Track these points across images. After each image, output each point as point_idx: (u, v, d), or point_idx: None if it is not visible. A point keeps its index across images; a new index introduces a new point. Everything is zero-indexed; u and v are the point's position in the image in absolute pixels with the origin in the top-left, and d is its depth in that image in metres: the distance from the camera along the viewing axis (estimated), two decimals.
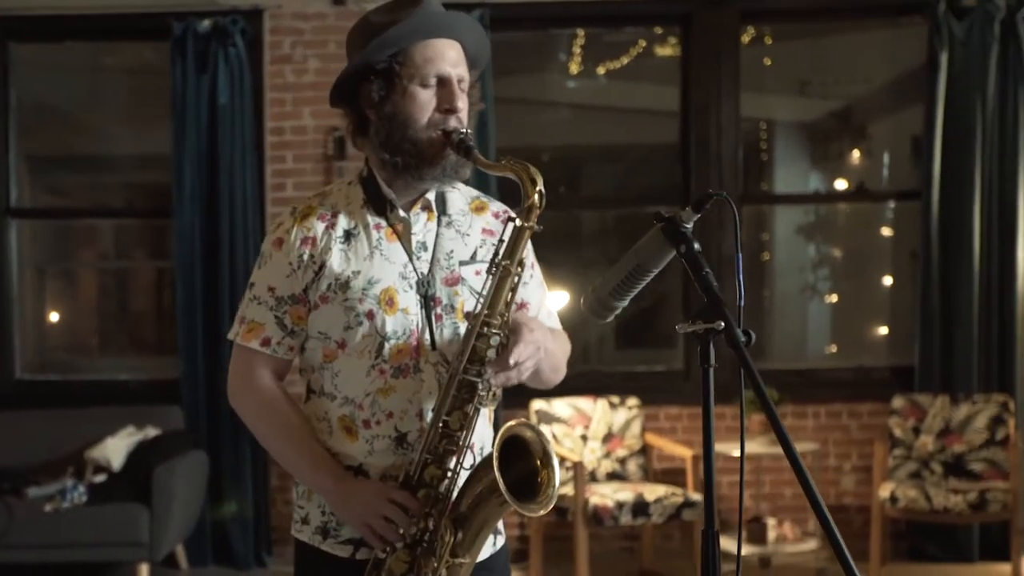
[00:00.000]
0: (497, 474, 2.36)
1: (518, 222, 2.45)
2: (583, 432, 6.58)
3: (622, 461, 6.61)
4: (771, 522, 6.45)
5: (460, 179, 2.57)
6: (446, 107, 2.50)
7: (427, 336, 2.52)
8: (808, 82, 8.74)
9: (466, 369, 2.43)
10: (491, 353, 2.44)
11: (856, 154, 8.73)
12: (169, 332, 7.59)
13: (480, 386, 2.44)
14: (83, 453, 6.58)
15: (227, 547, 6.87)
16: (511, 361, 2.41)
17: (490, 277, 2.46)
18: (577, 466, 6.01)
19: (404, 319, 2.52)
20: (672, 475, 6.85)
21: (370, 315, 2.50)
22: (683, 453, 6.49)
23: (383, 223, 2.56)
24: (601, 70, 8.13)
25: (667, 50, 7.80)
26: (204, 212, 6.82)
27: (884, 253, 8.39)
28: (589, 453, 6.53)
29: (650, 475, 6.72)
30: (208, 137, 6.81)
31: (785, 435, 2.05)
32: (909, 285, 7.45)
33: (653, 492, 6.18)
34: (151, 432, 6.62)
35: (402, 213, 2.56)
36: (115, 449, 6.49)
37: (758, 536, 6.42)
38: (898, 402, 6.59)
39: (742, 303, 2.22)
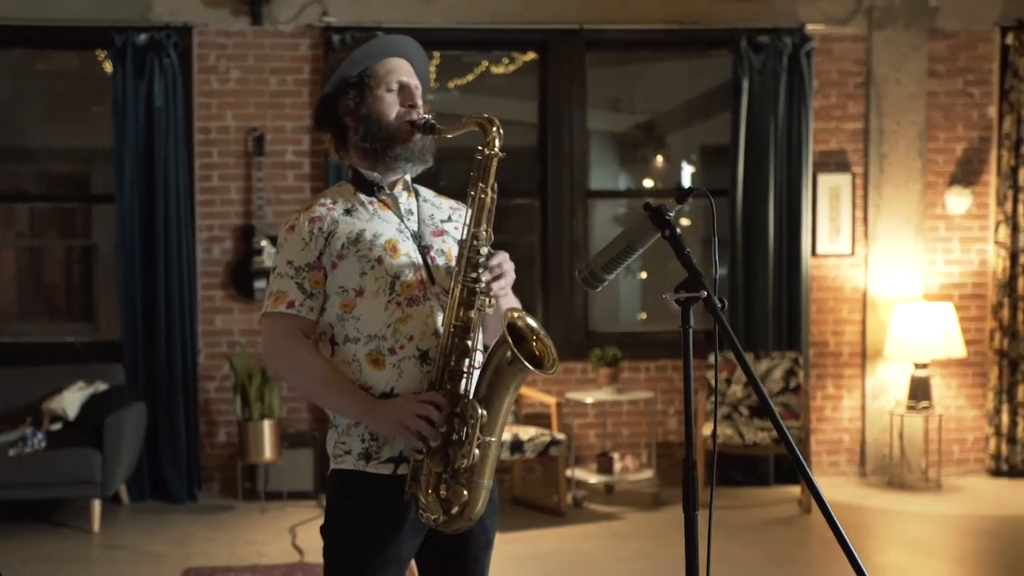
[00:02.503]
0: (511, 344, 2.74)
1: (486, 151, 2.88)
2: None
3: None
4: (616, 456, 7.80)
5: (426, 163, 3.01)
6: (409, 103, 2.96)
7: (426, 274, 2.89)
8: (619, 99, 10.16)
9: (465, 277, 2.81)
10: (482, 261, 2.83)
11: (659, 159, 10.22)
12: (81, 301, 8.49)
13: (479, 289, 2.81)
14: (41, 405, 7.36)
15: (163, 484, 7.75)
16: (495, 261, 2.82)
17: (470, 200, 2.87)
18: None
19: (407, 260, 2.88)
20: (536, 419, 8.09)
21: (379, 260, 2.85)
22: (548, 400, 7.71)
23: (375, 200, 2.97)
24: (451, 85, 9.00)
25: (500, 68, 8.82)
26: (142, 198, 7.69)
27: (684, 239, 9.83)
28: None
29: (520, 419, 8.02)
30: (145, 134, 7.66)
31: (757, 382, 2.56)
32: (703, 265, 8.91)
33: (526, 432, 7.31)
34: (100, 386, 7.45)
35: (388, 191, 2.98)
36: (70, 401, 7.30)
37: (606, 468, 7.67)
38: (713, 358, 8.11)
39: (717, 277, 2.75)
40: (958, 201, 8.42)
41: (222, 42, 7.92)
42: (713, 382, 2.53)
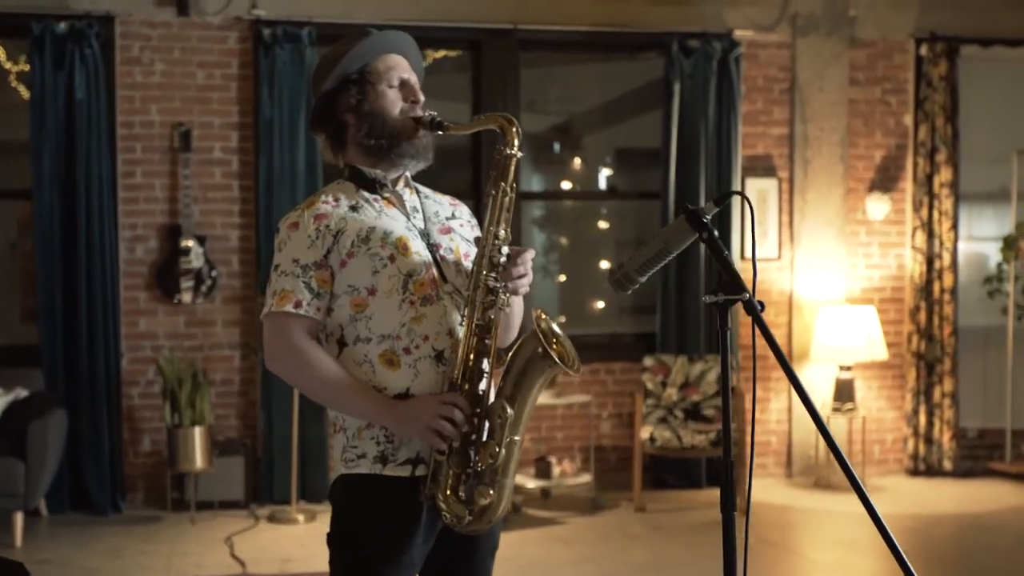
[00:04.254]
0: (542, 340, 2.76)
1: (506, 151, 2.86)
2: None
3: None
4: (554, 460, 7.65)
5: (428, 160, 2.97)
6: (412, 99, 2.94)
7: (437, 272, 2.84)
8: (534, 100, 10.11)
9: (486, 276, 2.79)
10: (502, 260, 2.81)
11: (577, 161, 10.17)
12: None
13: (500, 290, 2.80)
14: None
15: (84, 495, 7.36)
16: (522, 259, 2.83)
17: (491, 199, 2.84)
18: None
19: (418, 259, 2.83)
20: None
21: (391, 258, 2.80)
22: None
23: (379, 198, 2.92)
24: None
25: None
26: (61, 195, 7.30)
27: (601, 242, 9.88)
28: None
29: None
30: (66, 128, 7.28)
31: (802, 388, 2.59)
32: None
33: None
34: (21, 393, 7.04)
35: (392, 188, 2.95)
36: None
37: (544, 472, 7.52)
38: (648, 361, 7.93)
39: (755, 279, 2.75)
40: (877, 207, 8.53)
41: (146, 33, 7.57)
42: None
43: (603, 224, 9.87)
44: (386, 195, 2.92)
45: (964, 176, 8.70)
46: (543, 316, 2.85)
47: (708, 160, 8.23)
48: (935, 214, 8.58)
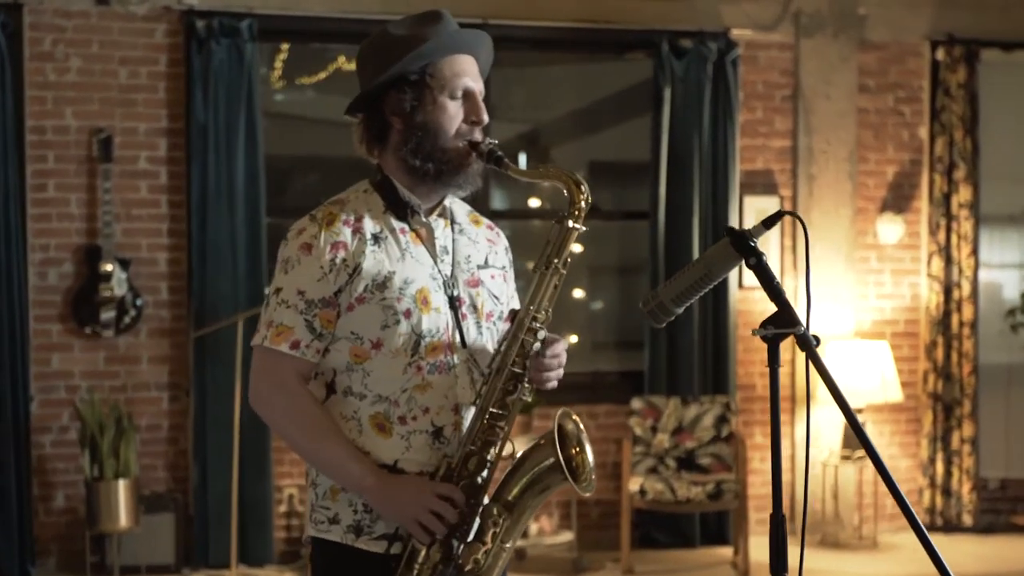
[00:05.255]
0: (558, 450, 2.66)
1: (569, 223, 2.72)
2: None
3: None
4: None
5: (476, 187, 2.80)
6: (474, 119, 2.75)
7: (456, 335, 2.74)
8: (496, 105, 9.64)
9: (514, 362, 2.67)
10: (536, 347, 2.69)
11: None
12: None
13: (525, 378, 2.68)
14: None
15: None
16: (554, 352, 2.71)
17: (538, 275, 2.70)
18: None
19: (438, 318, 2.71)
20: None
21: (407, 314, 2.67)
22: None
23: (407, 228, 2.76)
24: (305, 81, 8.55)
25: (353, 65, 8.31)
26: None
27: (575, 268, 9.35)
28: None
29: None
30: None
31: (865, 436, 2.55)
32: (601, 297, 8.52)
33: None
34: None
35: (424, 219, 2.78)
36: None
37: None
38: (637, 403, 7.51)
39: (809, 310, 2.57)
40: (889, 229, 8.20)
41: (60, 24, 7.13)
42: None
43: (576, 247, 9.32)
44: (416, 226, 2.77)
45: (985, 196, 8.38)
46: (573, 417, 2.76)
47: (703, 176, 7.88)
48: (953, 238, 8.27)
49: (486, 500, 2.72)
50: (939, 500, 8.24)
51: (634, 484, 7.16)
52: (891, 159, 8.29)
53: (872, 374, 7.74)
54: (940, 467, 8.23)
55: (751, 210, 7.97)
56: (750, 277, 7.87)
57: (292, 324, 2.67)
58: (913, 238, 8.31)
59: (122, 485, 6.76)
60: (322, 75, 8.46)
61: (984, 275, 8.55)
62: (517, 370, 2.68)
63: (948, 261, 8.22)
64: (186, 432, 7.29)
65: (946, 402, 8.23)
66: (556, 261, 2.72)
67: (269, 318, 2.70)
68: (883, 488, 8.01)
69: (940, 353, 8.23)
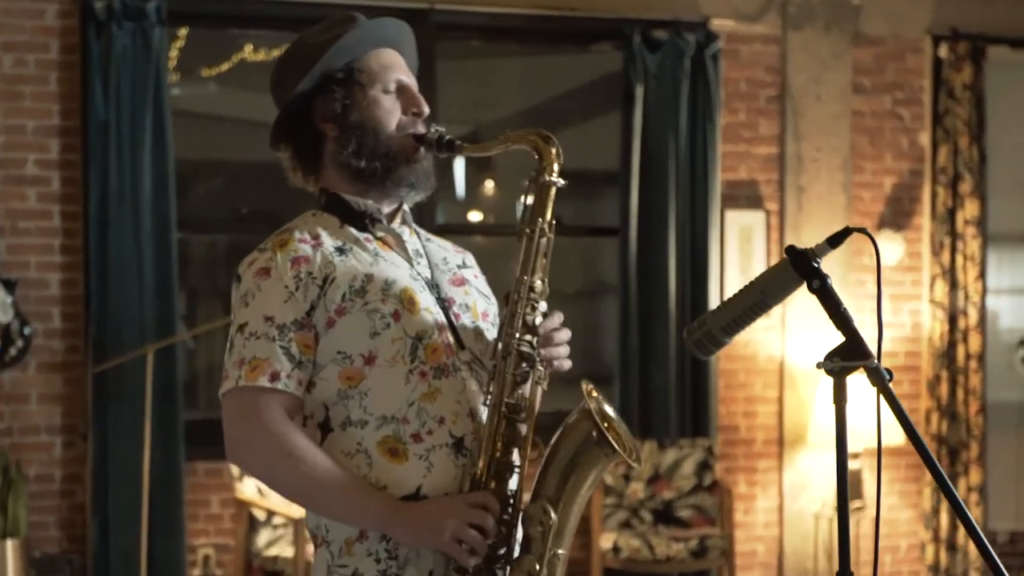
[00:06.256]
0: (597, 421, 2.53)
1: (544, 177, 2.64)
2: None
3: None
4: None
5: (430, 189, 2.75)
6: (414, 111, 2.72)
7: (452, 336, 2.63)
8: (435, 104, 9.19)
9: (519, 341, 2.56)
10: (539, 319, 2.60)
11: (490, 185, 9.26)
12: None
13: (536, 358, 2.57)
14: None
15: None
16: (555, 324, 2.62)
17: (524, 239, 2.62)
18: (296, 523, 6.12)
19: (428, 318, 2.61)
20: None
21: (396, 316, 2.57)
22: None
23: (371, 237, 2.69)
24: (206, 74, 8.32)
25: (260, 55, 8.05)
26: None
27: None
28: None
29: None
30: None
31: (945, 480, 2.41)
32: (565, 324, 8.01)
33: None
34: None
35: (387, 225, 2.73)
36: None
37: None
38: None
39: (881, 341, 2.55)
40: (888, 249, 7.90)
41: None
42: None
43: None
44: (380, 234, 2.71)
45: (994, 212, 8.12)
46: (593, 392, 2.61)
47: (680, 186, 7.52)
48: (959, 259, 7.99)
49: (524, 501, 2.60)
50: (943, 556, 7.95)
51: (606, 541, 6.88)
52: (889, 169, 8.04)
53: (869, 413, 7.24)
54: (944, 519, 7.94)
55: (733, 225, 7.69)
56: None
57: (267, 355, 2.54)
58: (914, 259, 8.06)
59: (9, 546, 6.47)
60: (225, 66, 8.21)
61: (992, 301, 8.32)
62: (526, 349, 2.57)
63: (953, 285, 7.97)
64: (84, 483, 6.95)
65: (951, 445, 7.95)
66: (541, 221, 2.63)
67: (239, 357, 2.56)
68: (882, 542, 7.86)
69: (944, 389, 7.95)
